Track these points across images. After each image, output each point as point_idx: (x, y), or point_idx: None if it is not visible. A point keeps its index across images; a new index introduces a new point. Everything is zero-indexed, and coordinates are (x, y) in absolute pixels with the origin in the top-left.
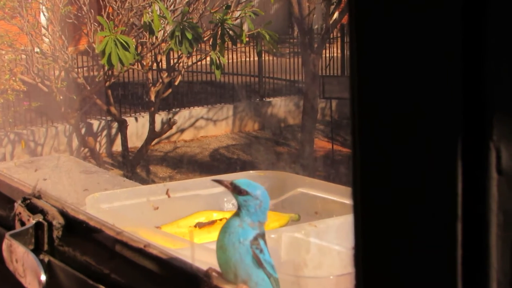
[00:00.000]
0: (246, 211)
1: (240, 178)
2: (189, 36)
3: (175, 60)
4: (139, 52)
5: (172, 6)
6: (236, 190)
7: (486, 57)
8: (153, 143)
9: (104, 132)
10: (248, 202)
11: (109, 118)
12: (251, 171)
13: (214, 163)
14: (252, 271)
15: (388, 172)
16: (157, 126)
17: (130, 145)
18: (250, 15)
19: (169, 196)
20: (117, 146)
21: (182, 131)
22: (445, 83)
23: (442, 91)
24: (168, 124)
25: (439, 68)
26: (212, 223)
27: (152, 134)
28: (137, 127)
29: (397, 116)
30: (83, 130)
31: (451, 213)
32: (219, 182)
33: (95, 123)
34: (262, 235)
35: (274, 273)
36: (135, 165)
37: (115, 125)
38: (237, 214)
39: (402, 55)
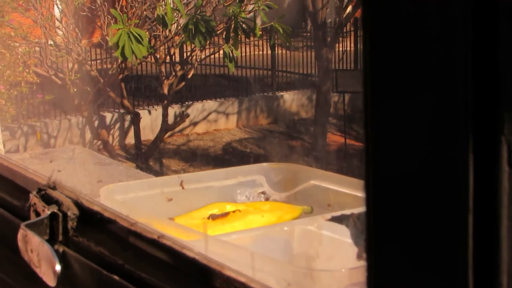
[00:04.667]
0: None
1: (253, 170)
2: (203, 29)
3: (189, 53)
4: (152, 45)
5: None
6: None
7: (498, 50)
8: (166, 136)
9: (117, 125)
10: None
11: (122, 110)
12: (264, 163)
13: (227, 156)
14: None
15: (400, 165)
16: (170, 119)
17: (143, 138)
18: (263, 9)
19: (183, 188)
20: (130, 139)
21: (195, 124)
22: (457, 77)
23: (454, 85)
24: (181, 117)
25: (451, 62)
26: (225, 215)
27: (165, 127)
28: (150, 120)
29: (409, 109)
30: (96, 123)
31: (462, 206)
32: None
33: (108, 116)
34: None
35: None
36: (148, 158)
37: (128, 117)
38: None
39: (414, 48)
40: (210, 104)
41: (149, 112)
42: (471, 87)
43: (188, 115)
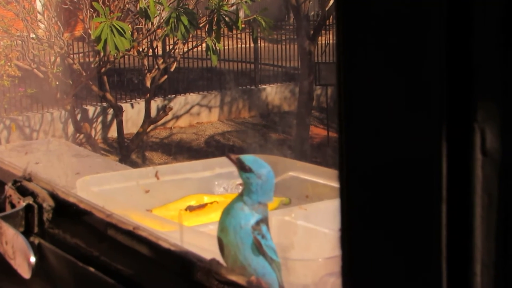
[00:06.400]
0: (248, 190)
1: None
2: (185, 22)
3: (171, 46)
4: (135, 38)
5: None
6: (241, 166)
7: (472, 38)
8: (149, 129)
9: (100, 118)
10: (250, 180)
11: (105, 104)
12: (240, 156)
13: (210, 149)
14: (252, 258)
15: (373, 154)
16: (153, 113)
17: (125, 131)
18: (246, 2)
19: (158, 178)
20: (113, 132)
21: (177, 117)
22: (431, 64)
23: (427, 73)
24: (164, 110)
25: (424, 50)
26: (202, 206)
27: (148, 120)
28: (133, 114)
29: (382, 98)
30: (78, 116)
31: (436, 195)
32: (228, 156)
33: (91, 109)
34: (265, 220)
35: (276, 258)
36: (130, 151)
37: (111, 111)
38: (240, 194)
39: (387, 37)
40: (193, 97)
41: (132, 105)
42: (444, 74)
43: (171, 108)
